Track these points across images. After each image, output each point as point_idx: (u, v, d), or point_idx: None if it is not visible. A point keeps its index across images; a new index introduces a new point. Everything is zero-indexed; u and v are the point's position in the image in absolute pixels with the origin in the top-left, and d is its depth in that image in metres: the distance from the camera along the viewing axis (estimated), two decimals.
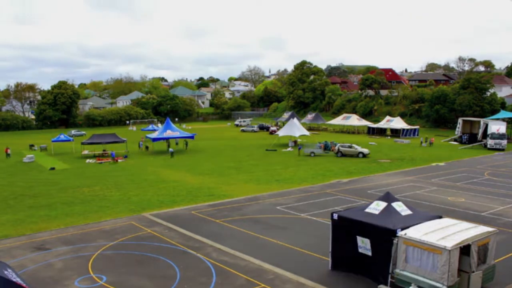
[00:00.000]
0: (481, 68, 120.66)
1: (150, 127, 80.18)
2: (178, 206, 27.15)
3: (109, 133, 60.10)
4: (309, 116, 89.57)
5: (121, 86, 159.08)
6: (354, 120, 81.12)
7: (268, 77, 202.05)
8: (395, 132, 72.97)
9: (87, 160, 48.63)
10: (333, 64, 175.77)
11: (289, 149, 56.48)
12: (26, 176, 39.00)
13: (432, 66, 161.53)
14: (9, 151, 52.74)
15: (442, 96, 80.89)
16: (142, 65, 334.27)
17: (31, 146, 60.31)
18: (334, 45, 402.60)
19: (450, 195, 29.77)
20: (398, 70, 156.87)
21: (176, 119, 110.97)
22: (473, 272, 13.66)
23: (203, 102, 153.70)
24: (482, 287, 14.10)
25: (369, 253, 15.12)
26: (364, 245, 15.29)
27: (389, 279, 14.35)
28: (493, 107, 75.53)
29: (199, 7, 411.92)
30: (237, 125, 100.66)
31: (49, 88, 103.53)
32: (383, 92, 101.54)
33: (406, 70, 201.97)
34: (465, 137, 63.40)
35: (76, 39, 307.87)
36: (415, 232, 13.90)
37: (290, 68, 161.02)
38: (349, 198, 28.69)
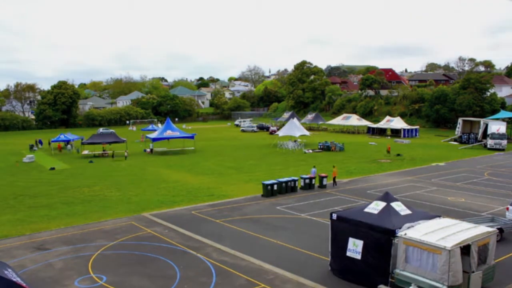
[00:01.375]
0: (481, 68, 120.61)
1: (150, 127, 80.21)
2: (178, 206, 27.16)
3: (109, 133, 60.15)
4: (309, 116, 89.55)
5: (121, 86, 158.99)
6: (354, 120, 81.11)
7: (268, 77, 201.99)
8: (395, 132, 73.00)
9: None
10: (333, 64, 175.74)
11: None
12: (26, 176, 39.01)
13: (432, 66, 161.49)
14: None
15: (442, 96, 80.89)
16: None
17: (31, 146, 60.17)
18: (334, 45, 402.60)
19: (450, 195, 29.78)
20: (398, 70, 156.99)
21: (176, 119, 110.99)
22: (473, 272, 13.67)
23: (203, 102, 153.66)
24: (482, 287, 14.11)
25: (358, 257, 15.10)
26: (354, 247, 15.27)
27: (389, 279, 14.35)
28: (493, 107, 75.54)
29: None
30: (237, 125, 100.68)
31: (49, 88, 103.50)
32: (383, 92, 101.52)
33: (406, 70, 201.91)
34: (465, 136, 63.41)
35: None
36: (415, 232, 13.91)
37: (290, 68, 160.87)
38: (349, 198, 28.70)
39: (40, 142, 63.36)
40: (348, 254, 15.40)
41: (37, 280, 15.87)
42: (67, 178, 37.87)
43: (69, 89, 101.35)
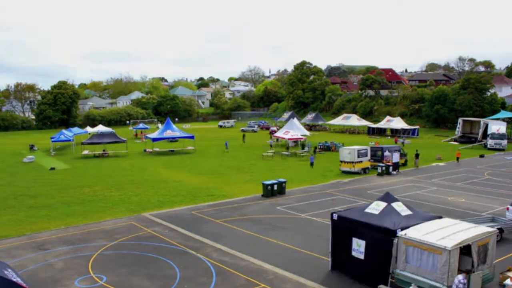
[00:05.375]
0: (481, 68, 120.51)
1: (141, 125, 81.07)
2: (178, 206, 27.15)
3: (109, 133, 60.13)
4: (309, 116, 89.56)
5: (121, 86, 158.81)
6: (354, 120, 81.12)
7: (268, 77, 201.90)
8: (395, 132, 72.98)
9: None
10: (333, 64, 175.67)
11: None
12: (26, 176, 38.99)
13: (432, 66, 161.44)
14: None
15: (442, 96, 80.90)
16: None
17: (31, 147, 60.00)
18: (334, 45, 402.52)
19: (450, 195, 29.78)
20: (398, 70, 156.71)
21: (176, 119, 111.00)
22: (473, 272, 13.67)
23: (203, 102, 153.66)
24: (482, 287, 14.10)
25: (362, 257, 15.10)
26: (358, 247, 15.29)
27: (389, 279, 14.35)
28: (493, 107, 75.54)
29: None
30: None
31: (49, 88, 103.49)
32: (383, 92, 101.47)
33: (406, 70, 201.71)
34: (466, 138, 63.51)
35: None
36: (415, 232, 13.90)
37: (290, 68, 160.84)
38: (349, 198, 28.69)
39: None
40: (353, 254, 15.41)
41: (37, 280, 15.86)
42: (67, 178, 37.86)
43: (69, 89, 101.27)
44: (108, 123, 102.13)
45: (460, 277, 12.60)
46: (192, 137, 57.58)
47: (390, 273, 14.34)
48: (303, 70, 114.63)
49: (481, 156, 49.73)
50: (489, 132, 58.16)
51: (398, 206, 15.90)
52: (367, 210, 16.03)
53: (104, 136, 57.63)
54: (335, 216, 16.38)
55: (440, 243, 13.02)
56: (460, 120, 66.98)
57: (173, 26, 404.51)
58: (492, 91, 78.64)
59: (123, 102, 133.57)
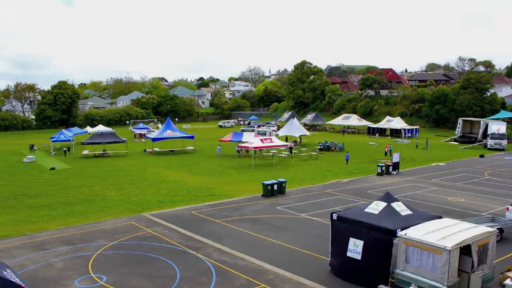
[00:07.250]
0: (481, 68, 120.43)
1: (141, 125, 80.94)
2: (178, 206, 27.15)
3: (109, 133, 60.12)
4: (309, 116, 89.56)
5: (121, 86, 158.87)
6: (354, 120, 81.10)
7: (268, 77, 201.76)
8: (395, 132, 72.94)
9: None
10: (333, 64, 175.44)
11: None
12: (26, 176, 39.00)
13: (432, 66, 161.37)
14: None
15: (442, 96, 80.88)
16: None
17: (31, 146, 60.00)
18: (334, 45, 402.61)
19: (450, 195, 29.77)
20: (398, 70, 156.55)
21: (177, 119, 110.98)
22: (473, 272, 13.67)
23: (203, 102, 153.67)
24: (482, 287, 14.10)
25: (358, 257, 15.09)
26: (355, 248, 15.26)
27: (389, 279, 14.34)
28: (493, 107, 75.51)
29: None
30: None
31: (49, 88, 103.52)
32: (383, 92, 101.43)
33: (406, 70, 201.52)
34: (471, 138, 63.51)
35: None
36: (415, 232, 13.90)
37: (290, 68, 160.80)
38: (349, 198, 28.69)
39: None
40: (349, 254, 15.39)
41: (37, 280, 15.86)
42: (67, 178, 37.86)
43: (69, 89, 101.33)
44: (108, 123, 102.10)
45: None
46: (192, 137, 57.60)
47: (390, 273, 14.33)
48: (303, 70, 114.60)
49: (481, 156, 49.74)
50: (489, 132, 58.15)
51: (398, 206, 15.89)
52: (367, 210, 16.02)
53: (104, 136, 57.66)
54: (334, 216, 16.37)
55: (440, 243, 13.01)
56: (460, 120, 66.96)
57: (172, 26, 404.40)
58: (492, 91, 78.61)
59: (123, 102, 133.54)
